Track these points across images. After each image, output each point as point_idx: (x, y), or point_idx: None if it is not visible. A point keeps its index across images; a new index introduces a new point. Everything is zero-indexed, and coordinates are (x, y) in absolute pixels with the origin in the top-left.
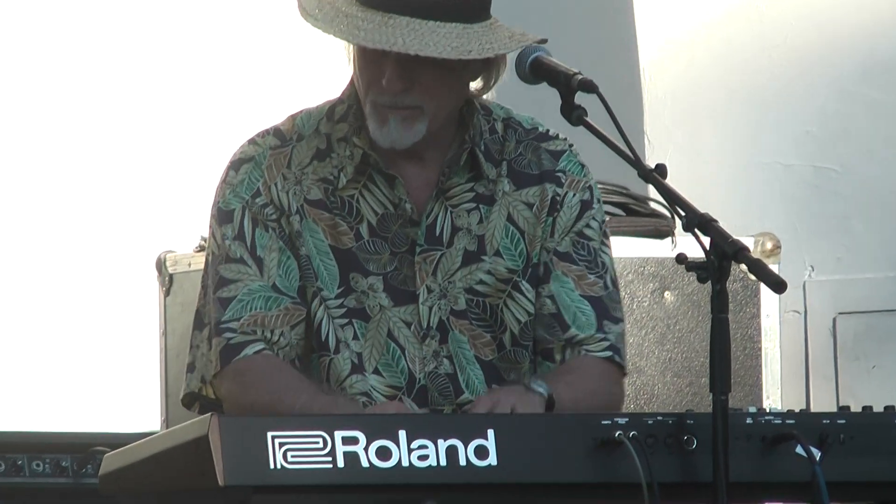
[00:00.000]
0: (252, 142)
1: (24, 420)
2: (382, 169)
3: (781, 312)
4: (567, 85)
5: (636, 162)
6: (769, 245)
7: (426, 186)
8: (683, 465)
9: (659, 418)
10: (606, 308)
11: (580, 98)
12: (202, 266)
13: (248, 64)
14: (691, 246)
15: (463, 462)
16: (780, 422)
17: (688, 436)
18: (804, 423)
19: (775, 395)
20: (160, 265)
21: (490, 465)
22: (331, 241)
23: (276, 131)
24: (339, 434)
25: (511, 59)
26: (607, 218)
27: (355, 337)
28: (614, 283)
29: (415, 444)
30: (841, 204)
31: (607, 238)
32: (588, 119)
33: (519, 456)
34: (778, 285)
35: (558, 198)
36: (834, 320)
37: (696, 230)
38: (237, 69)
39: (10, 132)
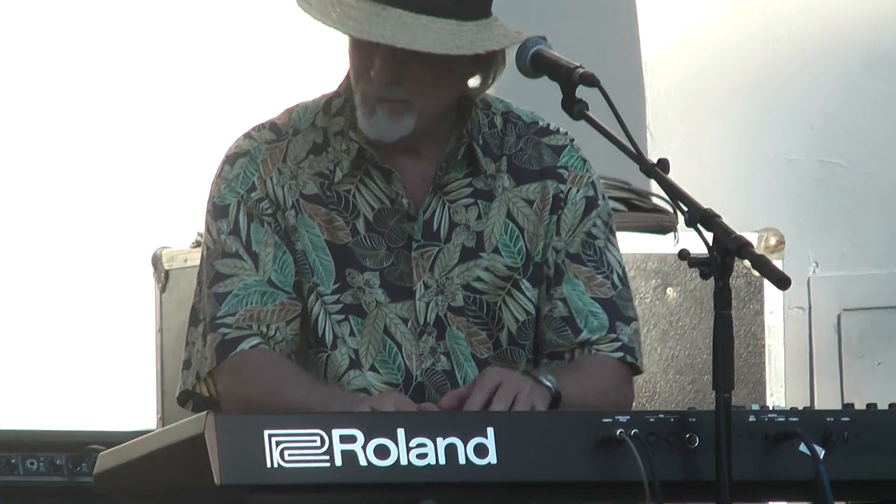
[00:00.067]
0: (247, 136)
1: (18, 418)
2: (379, 163)
3: (785, 309)
4: (568, 79)
5: (638, 156)
6: (773, 241)
7: (423, 181)
8: (686, 464)
9: (661, 416)
10: (618, 309)
11: (581, 92)
12: (198, 262)
13: (244, 58)
14: (694, 242)
15: (462, 460)
16: (783, 420)
17: (690, 434)
18: (808, 421)
19: (779, 392)
20: (156, 261)
21: (490, 463)
22: (327, 237)
23: (271, 125)
24: (336, 432)
25: (512, 52)
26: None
27: (352, 333)
28: (622, 280)
29: (413, 443)
30: (846, 199)
31: (613, 234)
32: (589, 113)
33: (519, 454)
34: (782, 281)
35: (561, 195)
36: (838, 317)
37: (698, 225)
38: (233, 63)
39: (4, 129)
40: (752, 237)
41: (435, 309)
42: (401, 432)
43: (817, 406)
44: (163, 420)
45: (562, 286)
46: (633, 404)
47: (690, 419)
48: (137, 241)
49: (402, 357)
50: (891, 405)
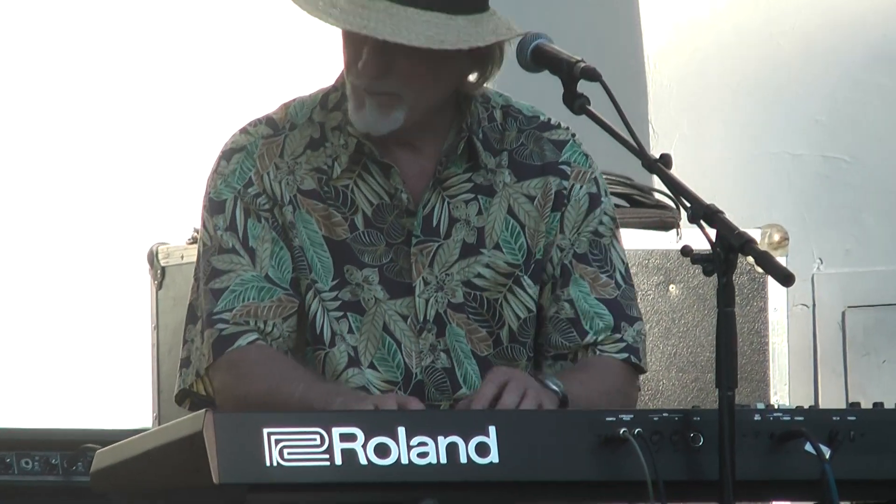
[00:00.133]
0: (244, 131)
1: (13, 416)
2: (377, 158)
3: (789, 306)
4: (569, 73)
5: (640, 152)
6: (777, 237)
7: (422, 176)
8: (689, 463)
9: (664, 415)
10: (622, 309)
11: (583, 86)
12: (195, 258)
13: (240, 53)
14: (697, 238)
15: (464, 459)
16: (788, 419)
17: (694, 433)
18: (813, 420)
19: (783, 390)
20: (152, 258)
21: (491, 462)
22: (325, 233)
23: (268, 120)
24: (336, 431)
25: (512, 47)
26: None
27: (350, 330)
28: (626, 278)
29: (414, 441)
30: (850, 194)
31: (617, 228)
32: (591, 108)
33: (521, 453)
34: (786, 278)
35: (564, 191)
36: (843, 314)
37: (701, 222)
38: (228, 58)
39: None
40: (755, 233)
41: (434, 306)
42: (401, 431)
43: (821, 404)
44: (159, 418)
45: (568, 287)
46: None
47: (694, 418)
48: (133, 237)
49: (402, 354)
50: None
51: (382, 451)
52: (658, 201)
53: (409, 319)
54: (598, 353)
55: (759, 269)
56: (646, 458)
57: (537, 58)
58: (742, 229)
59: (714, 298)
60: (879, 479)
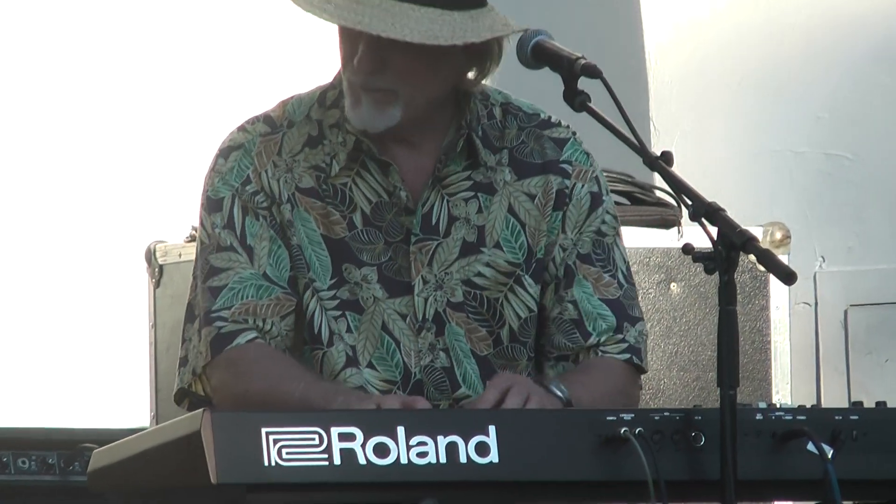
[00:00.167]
0: (241, 129)
1: (10, 416)
2: (376, 156)
3: (791, 304)
4: (570, 70)
5: (641, 149)
6: (779, 235)
7: (421, 174)
8: (691, 463)
9: (665, 414)
10: (624, 309)
11: (583, 83)
12: (193, 256)
13: (237, 50)
14: (698, 236)
15: (463, 459)
16: (790, 418)
17: (695, 432)
18: (816, 419)
19: (785, 389)
20: (150, 255)
21: (491, 462)
22: (323, 231)
23: (266, 118)
24: (335, 430)
25: (511, 43)
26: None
27: (349, 330)
28: (627, 277)
29: (414, 441)
30: (853, 192)
31: (619, 225)
32: (591, 105)
33: (521, 453)
34: (788, 276)
35: (566, 190)
36: (845, 312)
37: (703, 219)
38: (225, 56)
39: None
40: (757, 231)
41: (434, 304)
42: (401, 430)
43: (824, 403)
44: (157, 418)
45: (572, 288)
46: None
47: (695, 417)
48: (131, 235)
49: (401, 354)
50: None
51: (382, 450)
52: (659, 199)
53: (407, 318)
54: (600, 354)
55: (761, 268)
56: (647, 457)
57: (538, 55)
58: (744, 227)
59: (715, 297)
60: (882, 478)
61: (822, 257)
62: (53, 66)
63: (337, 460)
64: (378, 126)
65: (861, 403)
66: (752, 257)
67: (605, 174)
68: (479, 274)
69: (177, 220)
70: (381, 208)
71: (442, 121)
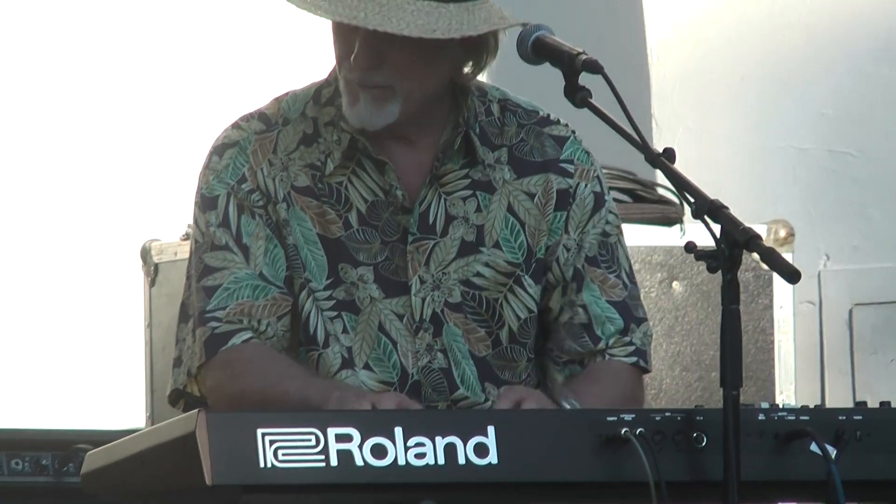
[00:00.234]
0: (236, 126)
1: (3, 416)
2: (372, 154)
3: (795, 303)
4: (571, 65)
5: (643, 146)
6: (782, 233)
7: (419, 172)
8: (693, 464)
9: (667, 414)
10: (630, 310)
11: (584, 79)
12: (188, 255)
13: (232, 48)
14: (701, 234)
15: (462, 460)
16: (793, 418)
17: (697, 433)
18: (819, 420)
19: (789, 389)
20: (145, 254)
21: (490, 463)
22: (319, 230)
23: (260, 115)
24: (332, 431)
25: (513, 39)
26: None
27: (345, 330)
28: (630, 277)
29: (412, 442)
30: (857, 189)
31: (620, 224)
32: (592, 101)
33: (520, 454)
34: (791, 275)
35: (569, 190)
36: (850, 311)
37: (705, 217)
38: (219, 53)
39: None
40: (760, 229)
41: (431, 305)
42: (398, 431)
43: (828, 403)
44: (152, 418)
45: (582, 292)
46: None
47: (697, 418)
48: (126, 233)
49: (398, 355)
50: None
51: (379, 451)
52: (661, 196)
53: (404, 319)
54: (607, 357)
55: (765, 266)
56: (648, 458)
57: (538, 50)
58: (747, 225)
59: (718, 295)
60: (886, 479)
61: (827, 255)
62: (48, 66)
63: (334, 461)
64: (377, 124)
65: (865, 403)
66: (756, 255)
67: (606, 171)
68: (479, 274)
69: (172, 219)
70: (377, 207)
71: (439, 118)
